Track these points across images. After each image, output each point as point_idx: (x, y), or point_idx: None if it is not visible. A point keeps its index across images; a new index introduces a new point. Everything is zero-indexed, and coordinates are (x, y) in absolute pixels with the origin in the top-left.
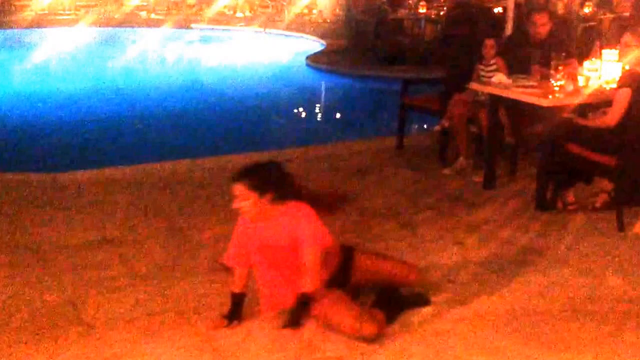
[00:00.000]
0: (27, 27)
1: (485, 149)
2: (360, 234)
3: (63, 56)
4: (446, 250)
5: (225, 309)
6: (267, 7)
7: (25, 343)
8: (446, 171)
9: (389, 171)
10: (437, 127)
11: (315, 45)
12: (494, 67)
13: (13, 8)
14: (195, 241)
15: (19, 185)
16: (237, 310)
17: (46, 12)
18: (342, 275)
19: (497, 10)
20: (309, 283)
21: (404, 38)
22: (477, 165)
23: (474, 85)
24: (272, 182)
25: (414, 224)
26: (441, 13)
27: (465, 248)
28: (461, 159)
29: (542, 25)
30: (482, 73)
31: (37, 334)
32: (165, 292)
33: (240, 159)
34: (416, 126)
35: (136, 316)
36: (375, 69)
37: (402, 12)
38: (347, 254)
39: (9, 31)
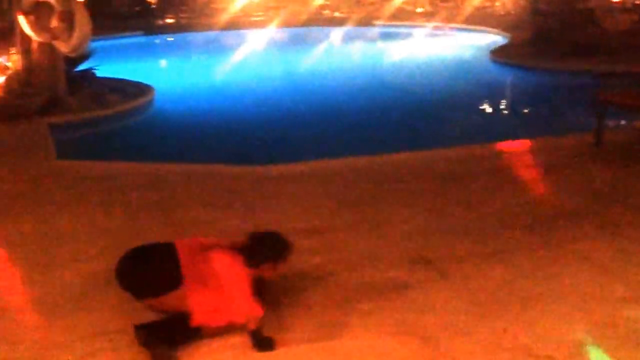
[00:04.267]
0: (223, 29)
1: None
2: (551, 235)
3: (265, 55)
4: None
5: None
6: (447, 0)
7: None
8: None
9: (586, 168)
10: (638, 124)
11: (498, 38)
12: None
13: (212, 12)
14: (392, 233)
15: (224, 176)
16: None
17: (240, 14)
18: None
19: None
20: None
21: (595, 29)
22: None
23: None
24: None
25: (615, 225)
26: (637, 2)
27: None
28: None
29: None
30: None
31: None
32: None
33: (431, 155)
34: (612, 122)
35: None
36: (563, 62)
37: (593, 2)
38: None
39: (209, 33)
